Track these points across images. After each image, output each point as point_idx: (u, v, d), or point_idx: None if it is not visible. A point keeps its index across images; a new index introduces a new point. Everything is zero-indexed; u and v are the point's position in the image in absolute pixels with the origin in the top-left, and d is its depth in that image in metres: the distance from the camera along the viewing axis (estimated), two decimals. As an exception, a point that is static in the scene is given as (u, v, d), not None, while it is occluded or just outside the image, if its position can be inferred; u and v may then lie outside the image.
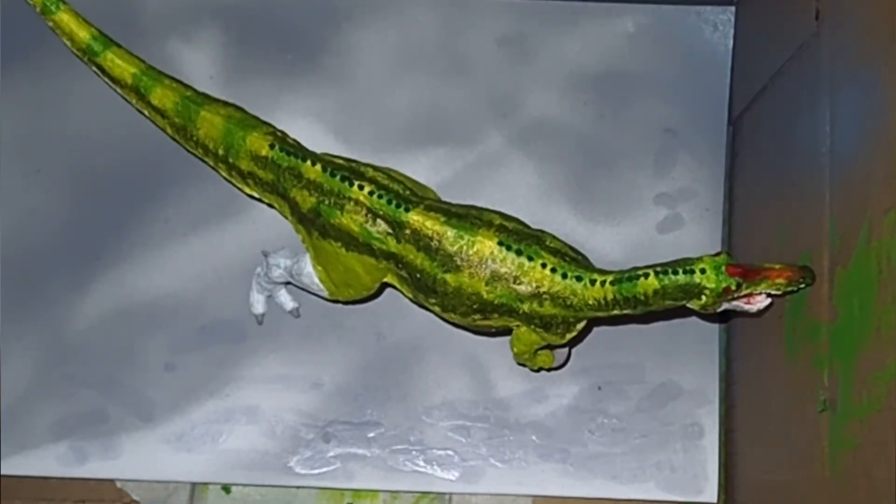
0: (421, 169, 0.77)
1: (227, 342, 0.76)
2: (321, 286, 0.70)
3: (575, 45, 0.81)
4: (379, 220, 0.65)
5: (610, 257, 0.76)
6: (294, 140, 0.70)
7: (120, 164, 0.79)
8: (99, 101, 0.78)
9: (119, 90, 0.73)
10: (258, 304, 0.76)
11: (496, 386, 0.76)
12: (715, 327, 0.76)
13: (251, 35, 0.81)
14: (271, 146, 0.68)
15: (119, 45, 0.72)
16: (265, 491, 0.75)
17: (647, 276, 0.61)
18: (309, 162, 0.67)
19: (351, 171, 0.66)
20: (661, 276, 0.61)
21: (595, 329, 0.75)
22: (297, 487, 0.75)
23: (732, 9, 0.81)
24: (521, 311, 0.64)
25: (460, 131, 0.80)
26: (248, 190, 0.71)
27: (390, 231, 0.65)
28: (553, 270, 0.63)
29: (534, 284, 0.63)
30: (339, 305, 0.75)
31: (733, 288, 0.60)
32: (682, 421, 0.75)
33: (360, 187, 0.65)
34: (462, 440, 0.75)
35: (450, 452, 0.75)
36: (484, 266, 0.63)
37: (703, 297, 0.60)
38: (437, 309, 0.67)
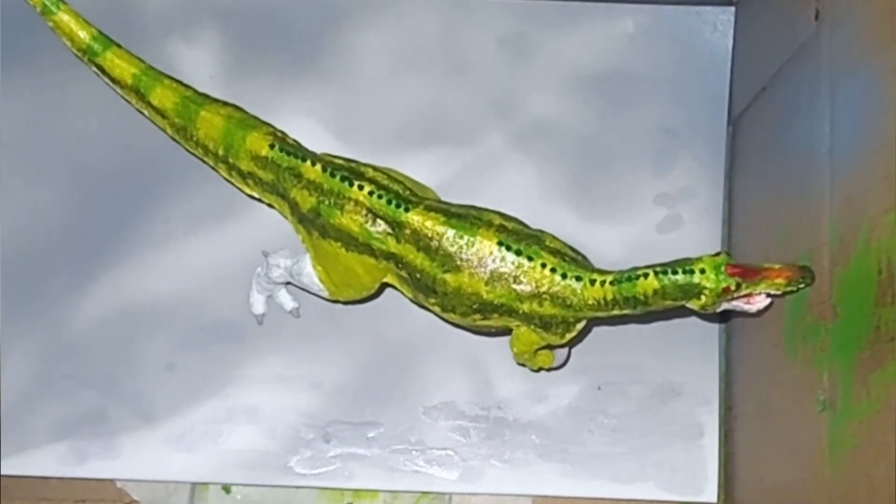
0: (421, 169, 0.77)
1: (227, 342, 0.76)
2: (321, 286, 0.70)
3: (575, 45, 0.81)
4: (379, 220, 0.65)
5: (610, 257, 0.76)
6: (294, 140, 0.70)
7: (120, 164, 0.79)
8: (99, 101, 0.78)
9: (119, 90, 0.73)
10: (258, 304, 0.76)
11: (496, 386, 0.76)
12: (715, 327, 0.76)
13: (251, 35, 0.81)
14: (271, 146, 0.68)
15: (119, 45, 0.72)
16: (265, 491, 0.75)
17: (646, 276, 0.61)
18: (309, 162, 0.67)
19: (351, 171, 0.66)
20: (660, 276, 0.61)
21: (595, 329, 0.75)
22: (297, 487, 0.75)
23: (732, 9, 0.81)
24: (520, 311, 0.64)
25: (460, 131, 0.80)
26: (248, 190, 0.72)
27: (390, 231, 0.65)
28: (553, 270, 0.63)
29: (533, 284, 0.63)
30: (339, 305, 0.75)
31: (733, 288, 0.60)
32: (682, 421, 0.75)
33: (360, 187, 0.65)
34: (462, 440, 0.75)
35: (450, 452, 0.75)
36: (484, 266, 0.63)
37: (703, 297, 0.60)
38: (437, 309, 0.67)
